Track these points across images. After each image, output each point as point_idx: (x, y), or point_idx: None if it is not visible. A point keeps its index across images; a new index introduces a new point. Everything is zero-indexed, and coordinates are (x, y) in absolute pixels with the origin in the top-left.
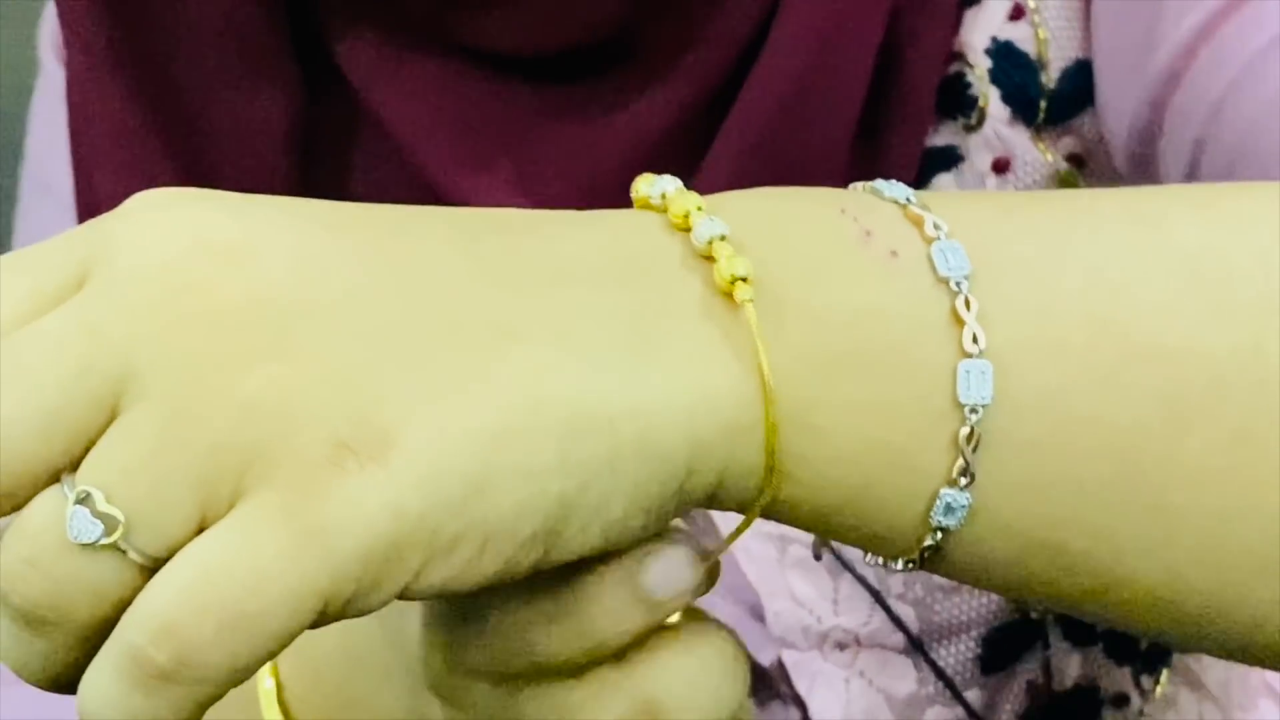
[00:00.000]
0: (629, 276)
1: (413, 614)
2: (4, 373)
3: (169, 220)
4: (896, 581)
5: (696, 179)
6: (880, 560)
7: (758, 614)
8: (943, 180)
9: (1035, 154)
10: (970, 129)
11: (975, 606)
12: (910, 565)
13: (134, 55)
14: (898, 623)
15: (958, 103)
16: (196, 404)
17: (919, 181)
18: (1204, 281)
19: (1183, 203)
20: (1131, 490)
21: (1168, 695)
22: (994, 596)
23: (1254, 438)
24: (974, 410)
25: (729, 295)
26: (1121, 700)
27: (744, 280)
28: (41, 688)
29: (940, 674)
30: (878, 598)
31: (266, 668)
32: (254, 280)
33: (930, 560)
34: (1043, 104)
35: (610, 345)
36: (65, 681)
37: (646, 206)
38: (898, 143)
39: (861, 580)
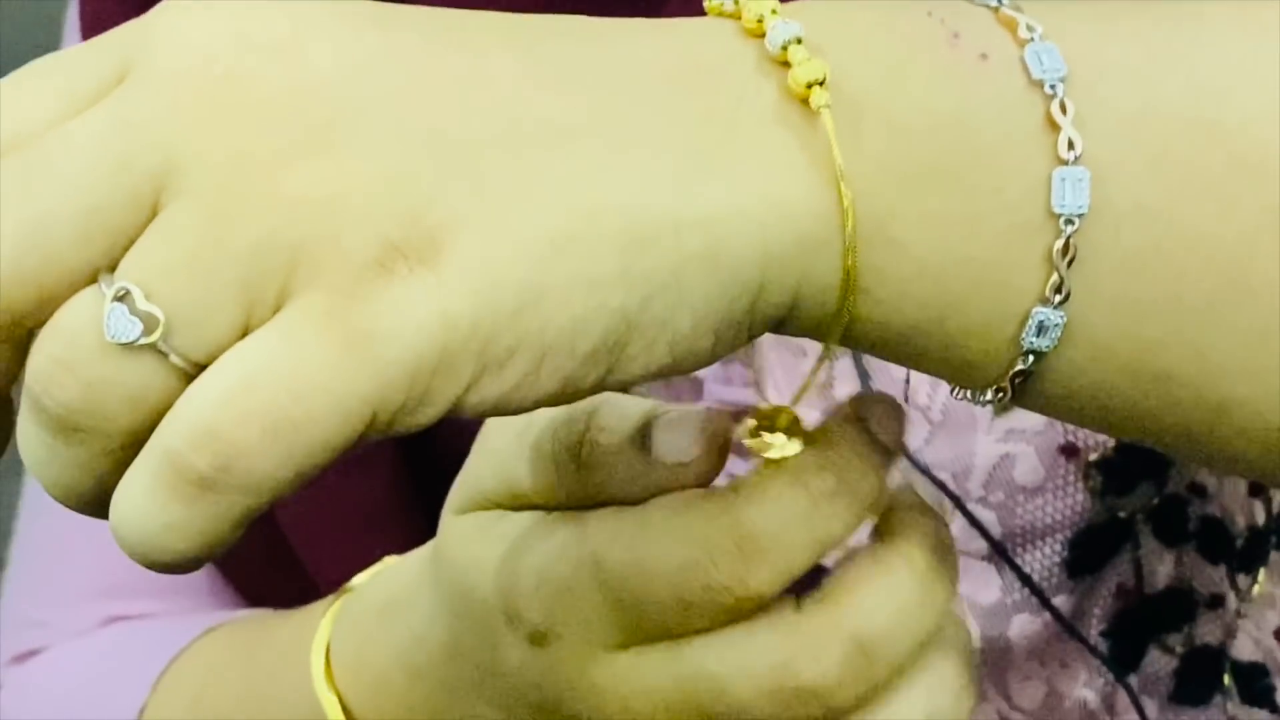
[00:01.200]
0: (699, 82)
1: (476, 616)
2: (40, 171)
3: (210, 14)
4: (976, 485)
5: None
6: (968, 394)
7: None
8: None
9: None
10: None
11: (1060, 508)
12: (1000, 395)
13: None
14: (979, 527)
15: None
16: (239, 200)
17: None
18: None
19: None
20: (1238, 310)
21: (1266, 594)
22: (1079, 498)
23: None
24: (1069, 221)
25: (804, 101)
26: (1217, 601)
27: (820, 84)
28: (69, 506)
29: (1025, 580)
30: (956, 502)
31: (326, 684)
32: (299, 73)
33: (1022, 389)
34: None
35: (678, 150)
36: (93, 499)
37: (720, 14)
38: None
39: (939, 484)
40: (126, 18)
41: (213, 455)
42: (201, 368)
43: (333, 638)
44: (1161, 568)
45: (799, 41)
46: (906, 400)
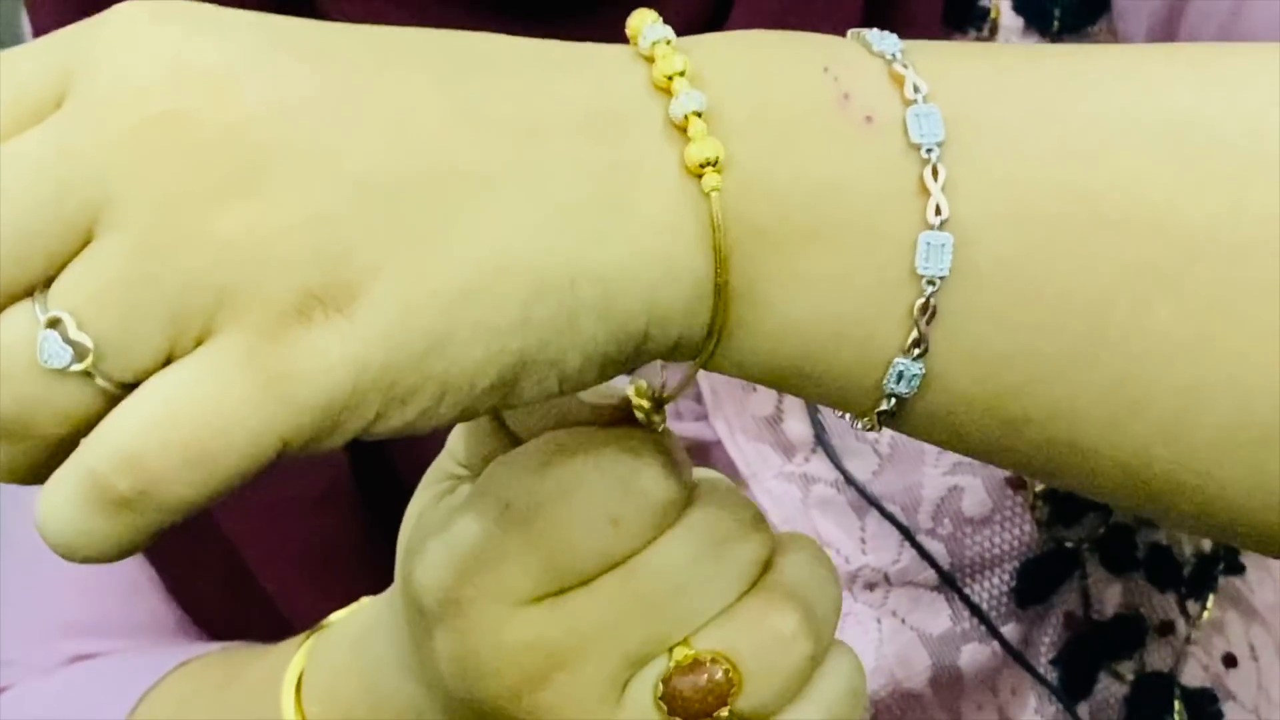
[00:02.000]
0: (606, 135)
1: (434, 640)
2: None
3: (149, 40)
4: (925, 517)
5: None
6: (844, 415)
7: None
8: None
9: None
10: (982, 41)
11: (1008, 539)
12: (869, 426)
13: None
14: (928, 559)
15: (968, 14)
16: (171, 239)
17: None
18: (1186, 147)
19: (1178, 63)
20: (1095, 364)
21: (1215, 620)
22: (1026, 528)
23: (1227, 307)
24: (930, 282)
25: (698, 177)
26: (1167, 628)
27: (713, 165)
28: (8, 482)
29: (974, 609)
30: (906, 534)
31: (294, 712)
32: (231, 113)
33: (887, 423)
34: (1056, 12)
35: (580, 205)
36: (26, 481)
37: (635, 51)
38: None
39: (889, 517)
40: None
41: (133, 480)
42: (126, 388)
43: (305, 670)
44: (1109, 596)
45: (699, 115)
46: (859, 434)
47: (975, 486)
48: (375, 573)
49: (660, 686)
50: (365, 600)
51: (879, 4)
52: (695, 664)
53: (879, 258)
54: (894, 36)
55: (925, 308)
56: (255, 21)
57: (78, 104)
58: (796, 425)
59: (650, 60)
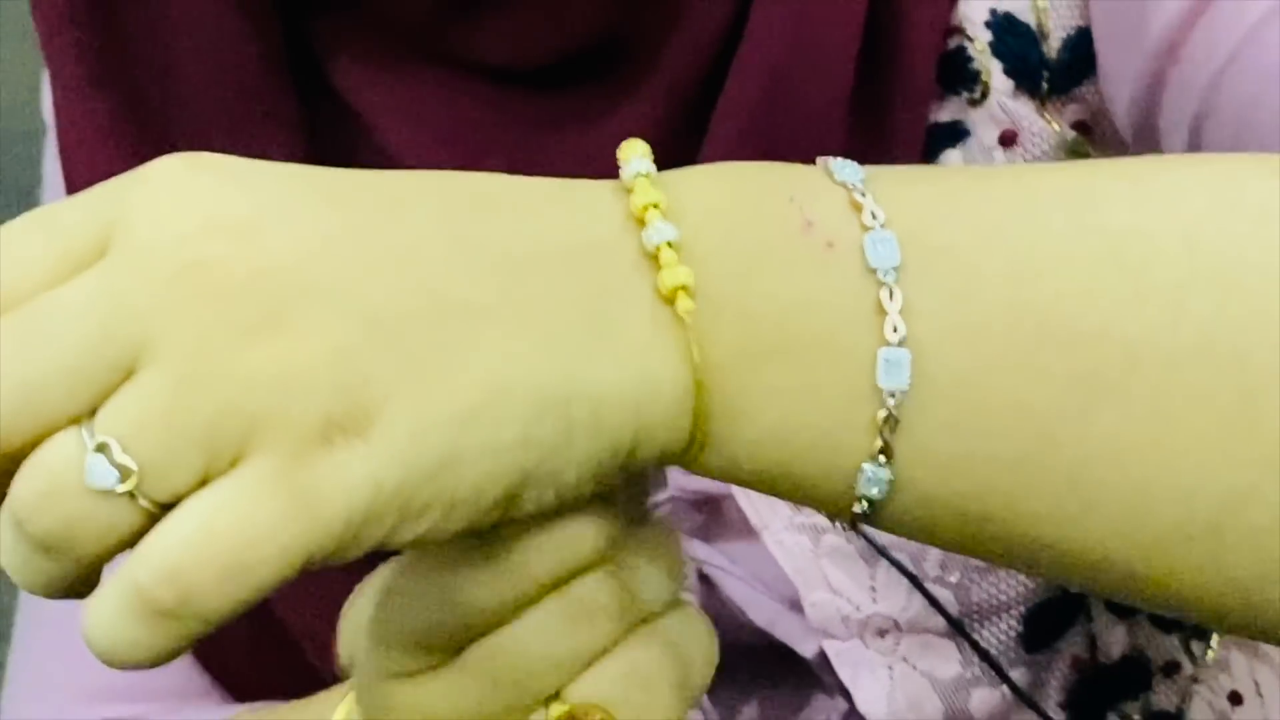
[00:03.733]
0: (589, 265)
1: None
2: (36, 334)
3: (184, 192)
4: (933, 565)
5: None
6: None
7: (796, 605)
8: (950, 156)
9: (1041, 124)
10: (975, 103)
11: (1014, 585)
12: (846, 526)
13: (135, 112)
14: (936, 606)
15: (960, 77)
16: (206, 373)
17: (926, 156)
18: (1125, 263)
19: (1118, 181)
20: (1047, 466)
21: (1219, 659)
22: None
23: (1168, 414)
24: (892, 395)
25: (671, 303)
26: (1172, 668)
27: (684, 289)
28: (39, 595)
29: (983, 655)
30: (915, 582)
31: None
32: (259, 257)
33: (863, 523)
34: (1045, 74)
35: (569, 331)
36: (63, 595)
37: (619, 182)
38: (900, 120)
39: (897, 566)
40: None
41: (175, 591)
42: (164, 508)
43: (351, 717)
44: (1115, 638)
45: (670, 245)
46: None
47: None
48: None
49: None
50: None
51: (874, 65)
52: (578, 714)
53: (844, 373)
54: (854, 165)
55: (889, 418)
56: (279, 172)
57: (120, 252)
58: None
59: (629, 192)
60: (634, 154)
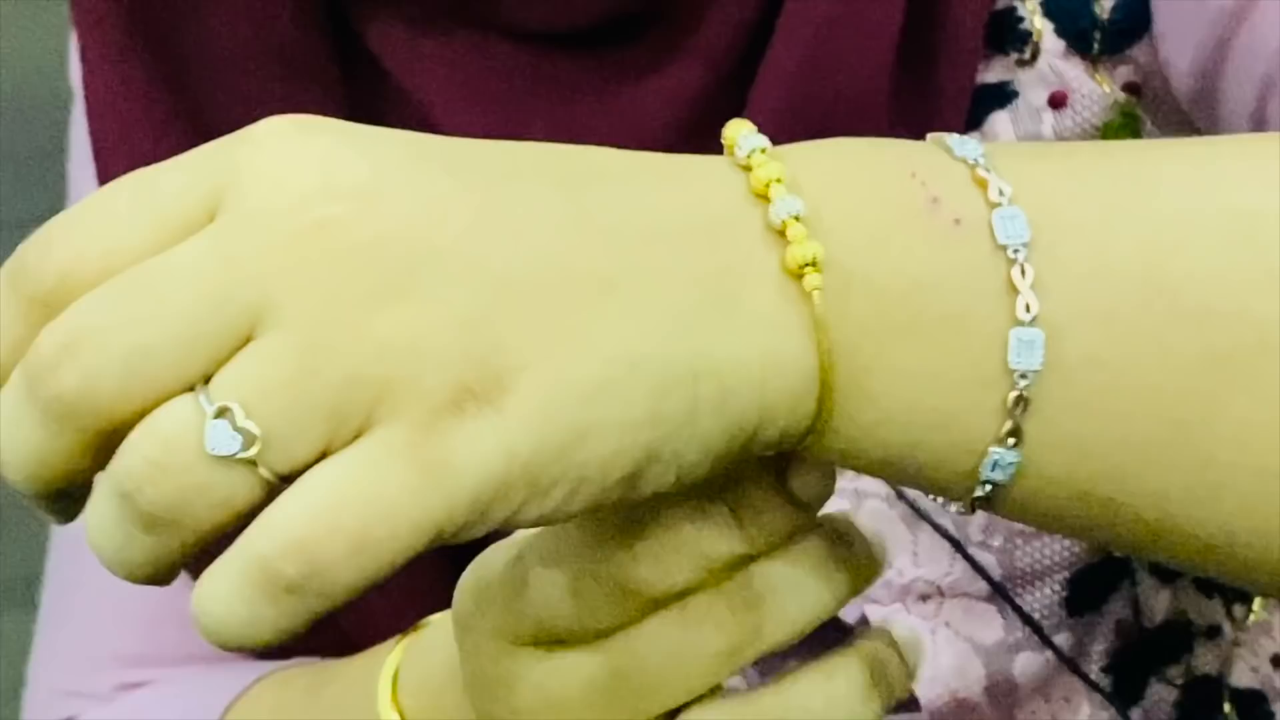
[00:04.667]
0: (714, 240)
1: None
2: (146, 299)
3: (299, 154)
4: (976, 529)
5: None
6: (937, 499)
7: None
8: (998, 117)
9: (1092, 86)
10: (1024, 64)
11: (1058, 550)
12: (964, 511)
13: (167, 78)
14: (980, 571)
15: (1010, 37)
16: (332, 337)
17: (973, 118)
18: (1255, 244)
19: (1240, 161)
20: (1178, 449)
21: (1262, 622)
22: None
23: None
24: (1024, 376)
25: (799, 278)
26: (1214, 631)
27: (813, 265)
28: (127, 579)
29: (1027, 619)
30: (958, 547)
31: (390, 703)
32: (383, 220)
33: (982, 507)
34: (1097, 34)
35: (696, 306)
36: (158, 578)
37: (733, 159)
38: (947, 80)
39: (940, 530)
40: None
41: (302, 564)
42: (283, 481)
43: (402, 664)
44: (1159, 603)
45: (797, 219)
46: None
47: None
48: (449, 590)
49: None
50: None
51: (920, 25)
52: None
53: (974, 352)
54: (974, 141)
55: (1019, 400)
56: (393, 136)
57: (234, 215)
58: None
59: (747, 169)
60: (743, 130)
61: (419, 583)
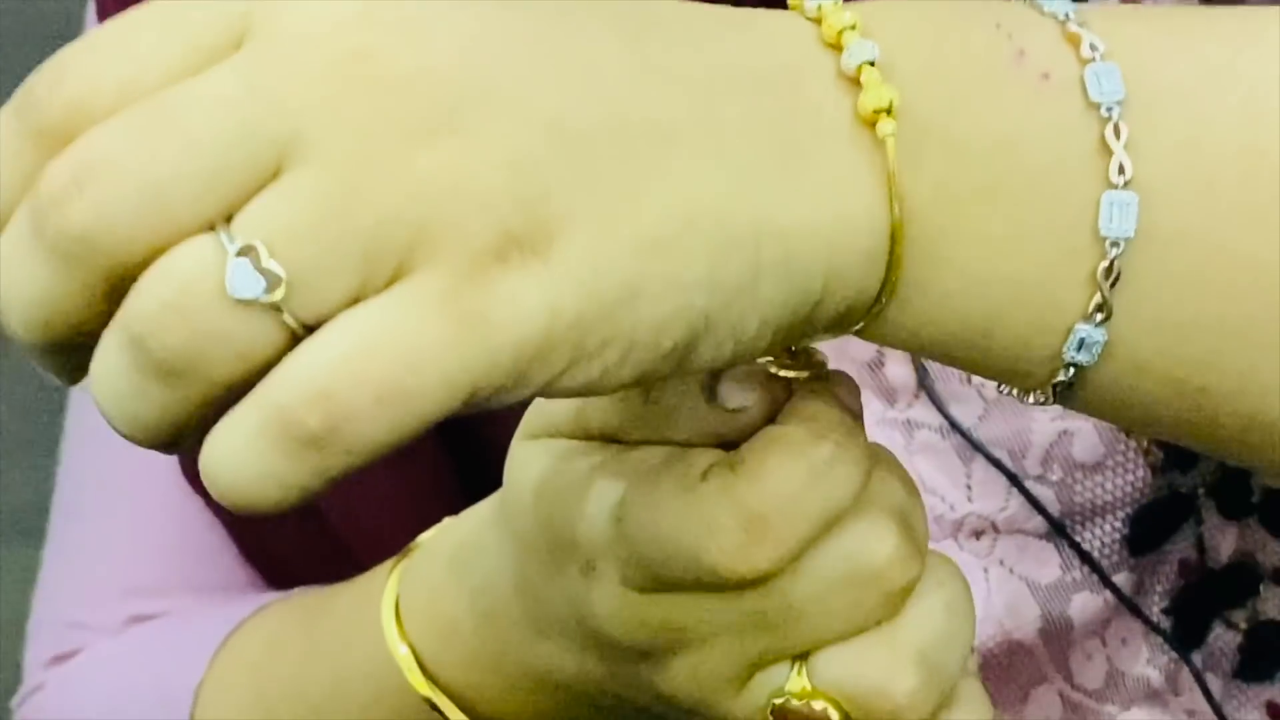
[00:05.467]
0: (781, 90)
1: (535, 542)
2: (165, 129)
3: None
4: (1034, 462)
5: None
6: (1012, 391)
7: None
8: None
9: None
10: None
11: (1120, 485)
12: (1043, 399)
13: None
14: (1037, 506)
15: None
16: (368, 174)
17: None
18: None
19: None
20: (1278, 331)
21: None
22: (1140, 474)
23: None
24: (1115, 244)
25: (873, 126)
26: None
27: (887, 112)
28: (141, 442)
29: (1086, 558)
30: (1014, 480)
31: (398, 635)
32: (427, 53)
33: (1063, 395)
34: None
35: (761, 161)
36: (165, 437)
37: (801, 12)
38: None
39: (995, 463)
40: None
41: (324, 415)
42: (308, 329)
43: (401, 592)
44: (1224, 542)
45: (872, 64)
46: (964, 377)
47: (1086, 431)
48: (451, 498)
49: (773, 702)
50: (449, 521)
51: None
52: (809, 697)
53: (1061, 218)
54: None
55: (1109, 271)
56: None
57: (264, 42)
58: (898, 369)
59: (818, 21)
60: None
61: (427, 506)
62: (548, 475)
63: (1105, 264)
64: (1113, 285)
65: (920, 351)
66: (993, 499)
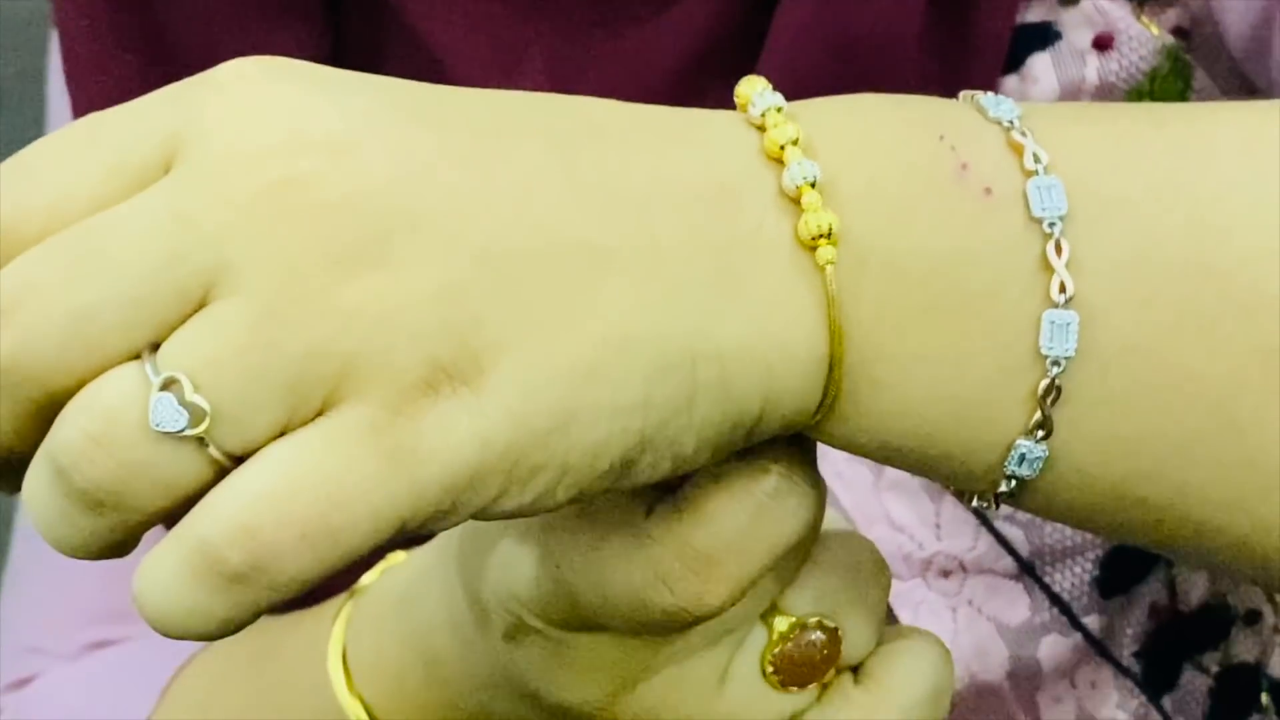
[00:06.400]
0: (720, 208)
1: (466, 610)
2: (91, 257)
3: (265, 101)
4: None
5: (758, 67)
6: (960, 494)
7: None
8: (1038, 60)
9: (1139, 29)
10: (1067, 3)
11: None
12: (985, 505)
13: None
14: (1006, 546)
15: None
16: (295, 306)
17: (1011, 60)
18: None
19: None
20: (1223, 445)
21: None
22: None
23: None
24: (1056, 363)
25: (812, 250)
26: (1254, 617)
27: (827, 237)
28: (72, 556)
29: (1055, 599)
30: (983, 520)
31: (348, 691)
32: (355, 179)
33: (1006, 502)
34: None
35: (698, 281)
36: (105, 557)
37: (746, 117)
38: (985, 18)
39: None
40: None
41: (248, 553)
42: (235, 461)
43: (348, 640)
44: (1196, 585)
45: (813, 185)
46: None
47: None
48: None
49: (767, 658)
50: (396, 556)
51: None
52: (797, 629)
53: (1001, 336)
54: (1010, 101)
55: (1050, 389)
56: (370, 83)
57: (191, 168)
58: None
59: (761, 129)
60: (758, 87)
61: None
62: (471, 546)
63: (1046, 382)
64: (1054, 402)
65: (861, 455)
66: (961, 538)
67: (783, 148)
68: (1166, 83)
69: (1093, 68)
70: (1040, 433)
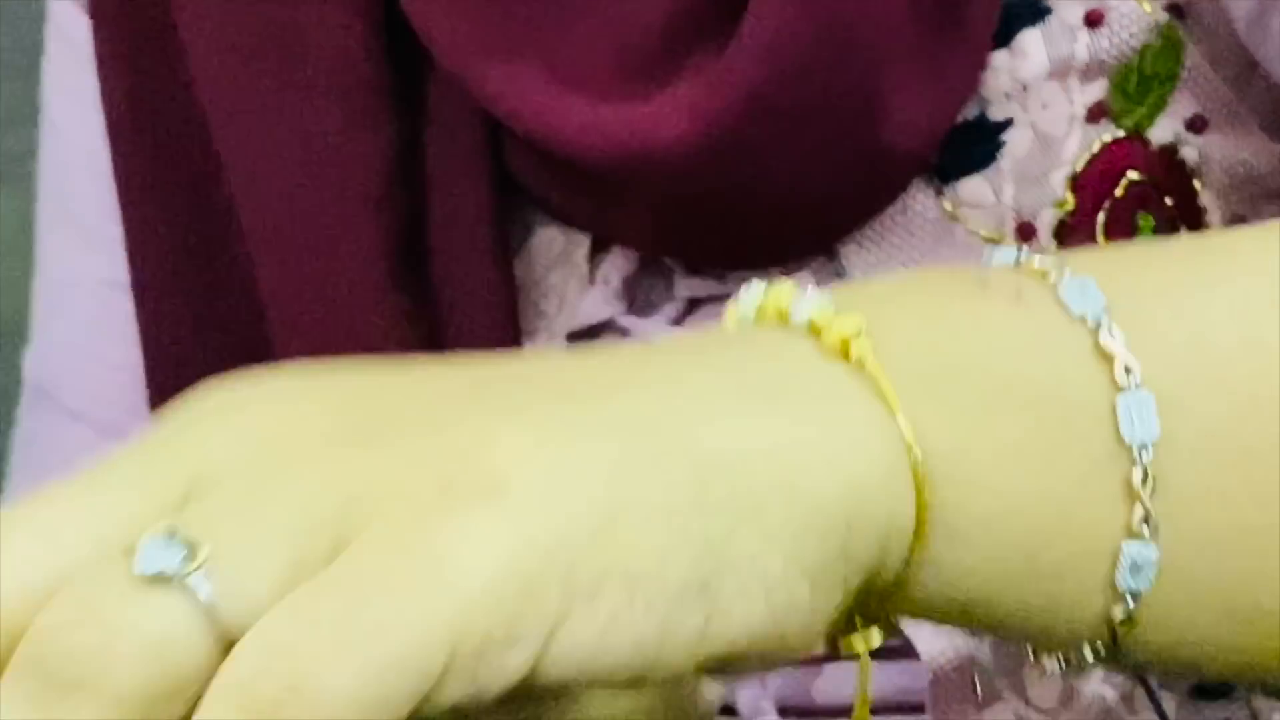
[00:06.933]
0: (755, 348)
1: None
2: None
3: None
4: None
5: (741, 37)
6: (1059, 660)
7: None
8: (1028, 35)
9: (1130, 5)
10: None
11: None
12: (1098, 654)
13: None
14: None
15: None
16: (283, 468)
17: (1001, 37)
18: None
19: None
20: None
21: None
22: None
23: None
24: (1144, 448)
25: (844, 353)
26: None
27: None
28: None
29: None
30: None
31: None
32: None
33: (1121, 642)
34: None
35: (736, 387)
36: None
37: (775, 318)
38: None
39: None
40: None
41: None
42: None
43: None
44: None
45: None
46: None
47: None
48: None
49: None
50: None
51: None
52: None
53: (1079, 427)
54: (1093, 289)
55: (1145, 478)
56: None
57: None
58: None
59: (817, 332)
60: (783, 294)
61: None
62: None
63: (1139, 472)
64: (1151, 494)
65: (967, 620)
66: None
67: (847, 341)
68: (1158, 59)
69: (1083, 44)
70: (1146, 529)
